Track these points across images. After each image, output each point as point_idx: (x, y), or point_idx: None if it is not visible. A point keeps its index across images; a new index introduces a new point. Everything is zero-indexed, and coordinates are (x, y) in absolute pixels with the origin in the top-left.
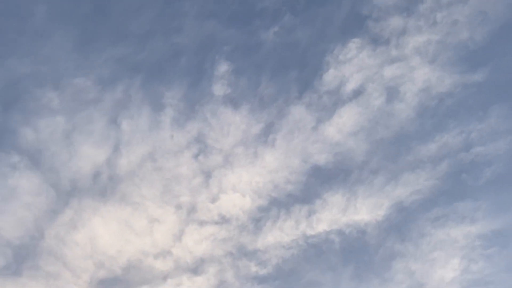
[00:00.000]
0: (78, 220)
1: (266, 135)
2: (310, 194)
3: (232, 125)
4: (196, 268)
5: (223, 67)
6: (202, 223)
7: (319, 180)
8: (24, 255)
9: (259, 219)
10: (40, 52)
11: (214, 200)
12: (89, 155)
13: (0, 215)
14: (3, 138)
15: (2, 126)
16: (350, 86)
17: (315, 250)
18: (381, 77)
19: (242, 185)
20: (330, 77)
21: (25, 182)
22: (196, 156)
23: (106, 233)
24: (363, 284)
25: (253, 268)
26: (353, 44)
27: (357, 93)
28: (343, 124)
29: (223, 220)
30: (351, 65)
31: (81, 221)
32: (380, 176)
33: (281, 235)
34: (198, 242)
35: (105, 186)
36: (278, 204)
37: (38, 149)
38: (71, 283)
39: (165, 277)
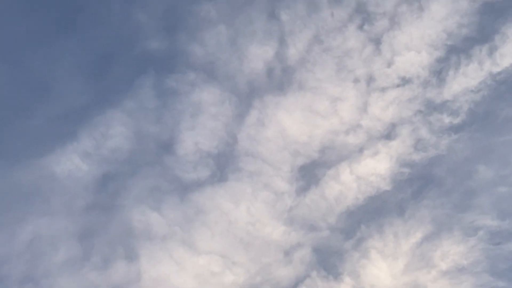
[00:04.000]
0: (264, 117)
1: None
2: (487, 32)
3: None
4: (388, 134)
5: None
6: (383, 89)
7: (493, 16)
8: (224, 161)
9: (440, 71)
10: None
11: (389, 64)
12: (257, 55)
13: (193, 130)
14: (176, 60)
15: (172, 49)
16: None
17: (505, 86)
18: None
19: (415, 42)
20: None
21: (207, 95)
22: (361, 27)
23: (293, 123)
24: None
25: (446, 120)
26: None
27: None
28: None
29: (404, 81)
30: None
31: (267, 118)
32: None
33: (467, 80)
34: (384, 108)
35: (280, 79)
36: (456, 50)
37: (210, 61)
38: (273, 176)
39: (360, 150)
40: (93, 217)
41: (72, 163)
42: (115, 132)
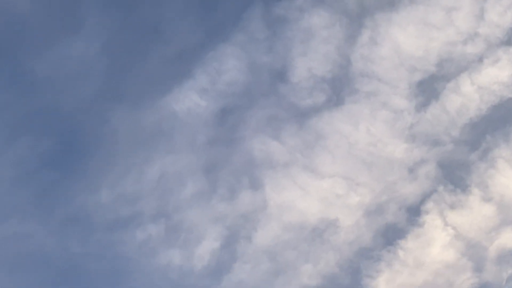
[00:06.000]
0: (377, 36)
1: None
2: None
3: None
4: (509, 40)
5: None
6: None
7: None
8: (339, 84)
9: None
10: None
11: None
12: None
13: (305, 56)
14: None
15: None
16: None
17: None
18: None
19: None
20: None
21: (316, 20)
22: None
23: (407, 38)
24: None
25: None
26: None
27: None
28: None
29: None
30: None
31: (380, 36)
32: None
33: None
34: (502, 14)
35: None
36: None
37: None
38: (391, 94)
39: (480, 59)
40: (215, 151)
41: (191, 100)
42: (228, 66)
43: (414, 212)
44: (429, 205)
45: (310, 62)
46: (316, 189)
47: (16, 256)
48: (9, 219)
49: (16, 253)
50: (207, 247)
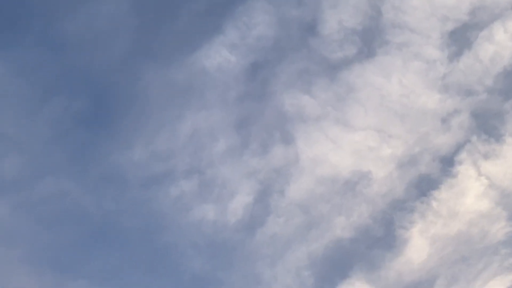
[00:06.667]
0: None
1: None
2: None
3: None
4: None
5: None
6: None
7: None
8: (370, 36)
9: None
10: None
11: None
12: None
13: (336, 8)
14: None
15: None
16: None
17: None
18: None
19: None
20: None
21: None
22: None
23: None
24: None
25: None
26: None
27: None
28: None
29: None
30: None
31: None
32: None
33: None
34: None
35: None
36: None
37: None
38: (423, 45)
39: None
40: (246, 106)
41: (221, 56)
42: (258, 20)
43: (447, 162)
44: (463, 155)
45: (340, 14)
46: (348, 142)
47: (53, 214)
48: (46, 178)
49: (53, 211)
50: (240, 202)
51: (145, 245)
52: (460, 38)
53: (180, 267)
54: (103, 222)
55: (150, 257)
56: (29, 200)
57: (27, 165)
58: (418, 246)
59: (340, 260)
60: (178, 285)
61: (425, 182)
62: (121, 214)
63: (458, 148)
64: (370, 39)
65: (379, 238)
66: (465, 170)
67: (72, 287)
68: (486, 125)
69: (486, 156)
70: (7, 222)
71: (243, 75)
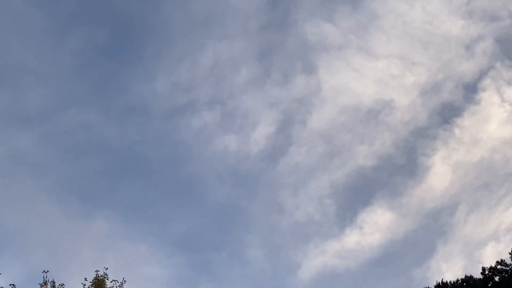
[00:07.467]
0: None
1: None
2: None
3: None
4: None
5: None
6: None
7: None
8: None
9: None
10: None
11: None
12: None
13: None
14: None
15: None
16: None
17: None
18: None
19: None
20: None
21: None
22: None
23: None
24: None
25: None
26: None
27: None
28: None
29: None
30: None
31: None
32: None
33: None
34: None
35: None
36: None
37: None
38: None
39: None
40: (268, 36)
41: None
42: None
43: (470, 89)
44: (486, 82)
45: None
46: (371, 70)
47: (78, 145)
48: (70, 109)
49: (77, 142)
50: (262, 132)
51: (168, 175)
52: None
53: (203, 197)
54: (127, 152)
55: (173, 187)
56: (53, 132)
57: (51, 98)
58: (440, 173)
59: (362, 188)
60: (201, 214)
61: (448, 109)
62: (145, 145)
63: (482, 75)
64: None
65: (401, 166)
66: (488, 97)
67: (97, 216)
68: (510, 51)
69: (510, 83)
70: (33, 154)
71: (264, 5)
